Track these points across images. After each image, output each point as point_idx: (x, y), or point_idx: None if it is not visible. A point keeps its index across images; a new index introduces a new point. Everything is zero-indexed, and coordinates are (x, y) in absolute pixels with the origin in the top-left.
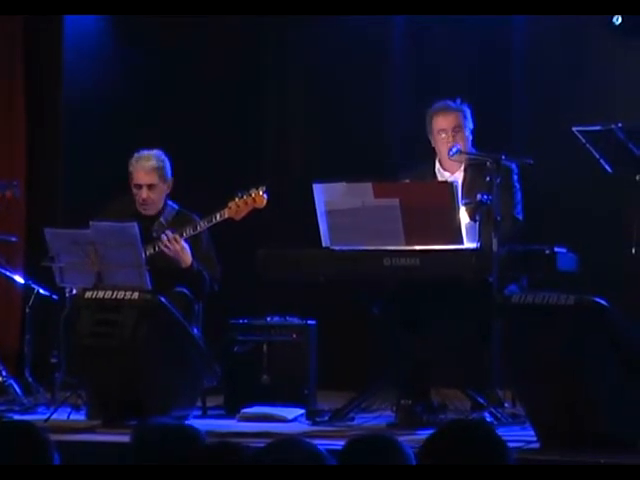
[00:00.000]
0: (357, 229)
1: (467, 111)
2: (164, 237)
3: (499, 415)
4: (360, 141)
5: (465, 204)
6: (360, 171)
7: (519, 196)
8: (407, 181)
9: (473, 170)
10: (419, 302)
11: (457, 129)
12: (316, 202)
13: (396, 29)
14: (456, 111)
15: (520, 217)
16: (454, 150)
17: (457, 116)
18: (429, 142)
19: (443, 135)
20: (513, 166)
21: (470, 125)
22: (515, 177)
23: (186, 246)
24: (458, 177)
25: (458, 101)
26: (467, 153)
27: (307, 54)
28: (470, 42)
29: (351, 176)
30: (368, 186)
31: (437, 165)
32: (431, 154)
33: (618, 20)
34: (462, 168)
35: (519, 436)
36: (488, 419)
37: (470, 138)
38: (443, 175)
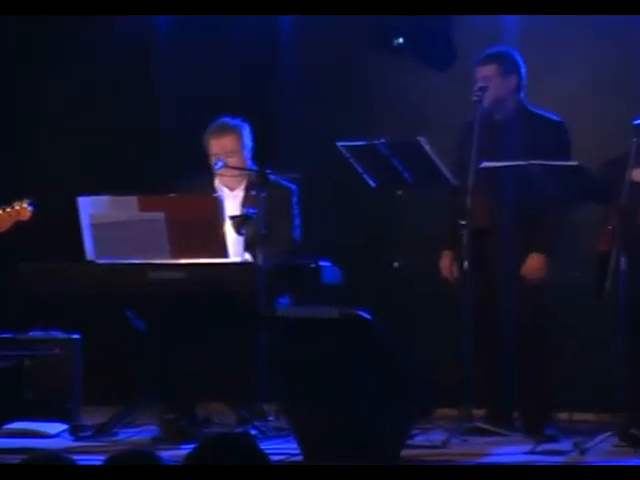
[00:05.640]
0: (122, 242)
1: (245, 129)
2: None
3: (264, 429)
4: (132, 150)
5: (231, 218)
6: (132, 182)
7: (298, 220)
8: (173, 195)
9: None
10: (185, 316)
11: (231, 154)
12: (81, 215)
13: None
14: (231, 133)
15: (298, 239)
16: (219, 165)
17: (231, 140)
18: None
19: (217, 161)
20: (294, 187)
21: (249, 143)
22: (295, 199)
23: None
24: (238, 195)
25: (237, 120)
26: (232, 167)
27: None
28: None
29: (124, 187)
30: (133, 199)
31: (216, 181)
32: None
33: (399, 41)
34: (244, 187)
35: (283, 449)
36: (253, 433)
37: (249, 156)
38: (222, 191)
